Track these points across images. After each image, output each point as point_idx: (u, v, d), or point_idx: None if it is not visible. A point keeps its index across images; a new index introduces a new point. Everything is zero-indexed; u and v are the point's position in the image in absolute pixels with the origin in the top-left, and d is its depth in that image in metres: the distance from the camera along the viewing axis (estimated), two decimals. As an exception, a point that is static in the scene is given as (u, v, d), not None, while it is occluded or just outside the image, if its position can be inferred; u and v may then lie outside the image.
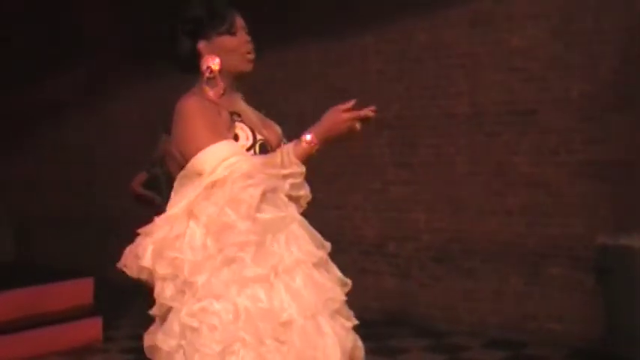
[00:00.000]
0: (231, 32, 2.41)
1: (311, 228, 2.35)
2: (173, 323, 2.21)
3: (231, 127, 2.34)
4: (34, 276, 6.66)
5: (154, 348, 2.26)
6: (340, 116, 2.29)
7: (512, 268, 5.90)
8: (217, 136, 2.26)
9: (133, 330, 6.23)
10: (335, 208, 6.77)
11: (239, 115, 2.38)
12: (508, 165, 5.90)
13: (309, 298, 2.21)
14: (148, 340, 2.31)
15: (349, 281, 2.38)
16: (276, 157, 2.27)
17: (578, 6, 5.54)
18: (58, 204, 9.44)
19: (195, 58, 2.41)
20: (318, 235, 2.37)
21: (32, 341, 5.75)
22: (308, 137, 2.28)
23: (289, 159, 2.25)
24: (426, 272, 6.40)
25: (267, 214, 2.21)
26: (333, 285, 2.31)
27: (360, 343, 2.40)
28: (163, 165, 6.50)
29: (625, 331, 4.71)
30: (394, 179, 6.55)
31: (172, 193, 2.28)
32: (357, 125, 2.31)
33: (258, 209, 2.19)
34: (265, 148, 2.38)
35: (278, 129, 2.52)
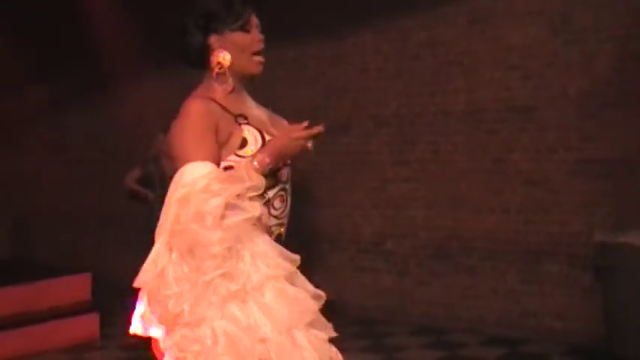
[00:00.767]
0: (245, 29, 2.38)
1: (275, 244, 2.29)
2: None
3: (235, 132, 2.30)
4: (31, 272, 6.65)
5: None
6: (291, 137, 2.29)
7: (510, 265, 5.90)
8: (201, 152, 2.22)
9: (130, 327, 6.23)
10: (333, 205, 6.76)
11: (245, 118, 2.34)
12: (506, 162, 5.91)
13: (282, 312, 2.17)
14: None
15: (323, 294, 2.32)
16: (239, 170, 2.23)
17: (577, 4, 5.54)
18: (56, 201, 9.43)
19: (206, 52, 2.37)
20: (286, 250, 2.31)
21: (29, 337, 5.74)
22: (256, 164, 2.25)
23: (249, 173, 2.22)
24: (424, 269, 6.40)
25: (233, 217, 2.16)
26: (305, 296, 2.25)
27: (338, 355, 2.32)
28: (157, 163, 6.52)
29: (623, 328, 4.72)
30: (392, 177, 6.56)
31: (161, 215, 2.24)
32: (309, 144, 2.32)
33: (223, 217, 2.15)
34: None
35: (286, 124, 2.49)
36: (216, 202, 2.14)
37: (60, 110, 9.07)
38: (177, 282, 2.13)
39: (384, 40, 6.58)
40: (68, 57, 8.73)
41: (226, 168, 2.28)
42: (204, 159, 2.21)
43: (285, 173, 2.42)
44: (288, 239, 2.43)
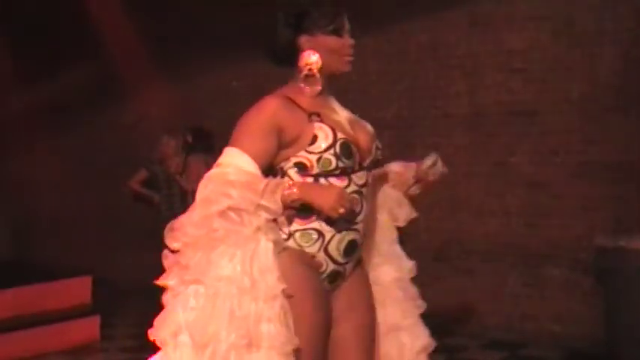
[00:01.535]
0: (338, 33, 2.37)
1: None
2: None
3: (307, 129, 2.30)
4: (32, 275, 6.64)
5: None
6: (334, 197, 2.21)
7: (511, 268, 5.90)
8: (253, 147, 2.24)
9: (131, 329, 6.22)
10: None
11: (318, 115, 2.34)
12: (507, 166, 5.90)
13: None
14: None
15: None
16: (261, 183, 2.21)
17: (579, 7, 5.54)
18: (56, 203, 9.41)
19: (293, 51, 2.37)
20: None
21: (30, 340, 5.72)
22: (287, 186, 2.23)
23: (271, 194, 2.18)
24: (424, 272, 6.37)
25: (222, 227, 2.19)
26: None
27: None
28: (163, 164, 6.52)
29: (624, 332, 4.71)
30: (393, 179, 6.54)
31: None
32: (336, 212, 2.21)
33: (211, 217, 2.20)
34: (348, 147, 2.33)
35: (370, 129, 2.51)
36: (222, 201, 2.17)
37: (61, 111, 9.05)
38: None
39: (385, 43, 6.58)
40: (69, 57, 8.73)
41: (296, 164, 2.29)
42: (251, 154, 2.23)
43: (361, 175, 2.38)
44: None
